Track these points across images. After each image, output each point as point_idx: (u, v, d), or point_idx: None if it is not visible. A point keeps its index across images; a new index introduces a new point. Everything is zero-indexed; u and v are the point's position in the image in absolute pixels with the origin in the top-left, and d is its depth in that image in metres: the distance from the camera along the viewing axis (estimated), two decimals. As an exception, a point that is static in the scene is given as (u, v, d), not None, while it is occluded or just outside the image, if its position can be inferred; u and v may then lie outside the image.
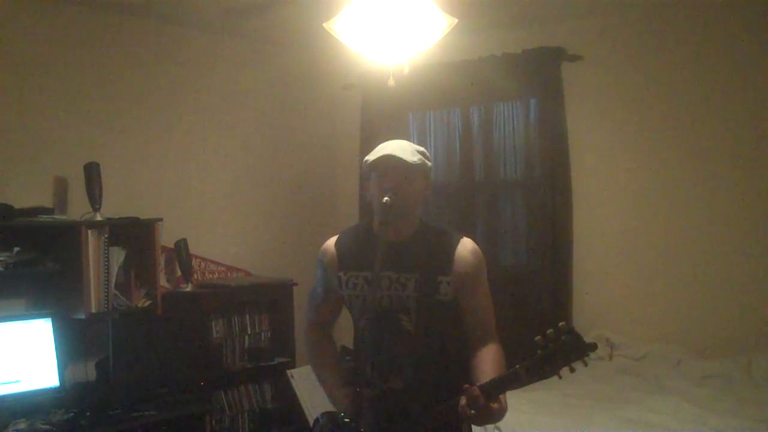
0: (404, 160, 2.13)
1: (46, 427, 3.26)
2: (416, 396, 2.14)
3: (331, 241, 2.35)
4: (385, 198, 2.10)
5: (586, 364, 1.91)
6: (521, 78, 4.51)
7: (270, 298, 4.58)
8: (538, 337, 1.91)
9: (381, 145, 2.20)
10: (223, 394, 4.34)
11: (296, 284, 4.57)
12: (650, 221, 4.29)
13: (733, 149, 4.05)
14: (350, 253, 2.27)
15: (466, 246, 2.20)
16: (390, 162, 2.14)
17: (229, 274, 4.70)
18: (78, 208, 3.78)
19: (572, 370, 1.91)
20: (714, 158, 4.11)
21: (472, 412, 1.95)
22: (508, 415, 3.09)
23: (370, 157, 2.18)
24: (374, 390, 2.16)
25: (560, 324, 1.90)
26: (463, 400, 1.97)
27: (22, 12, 3.73)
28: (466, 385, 1.98)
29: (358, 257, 2.23)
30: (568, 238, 4.45)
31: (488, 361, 2.13)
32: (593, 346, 1.91)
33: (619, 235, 4.39)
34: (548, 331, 1.90)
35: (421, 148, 2.21)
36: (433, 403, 2.10)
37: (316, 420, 2.35)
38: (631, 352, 4.14)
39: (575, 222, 4.46)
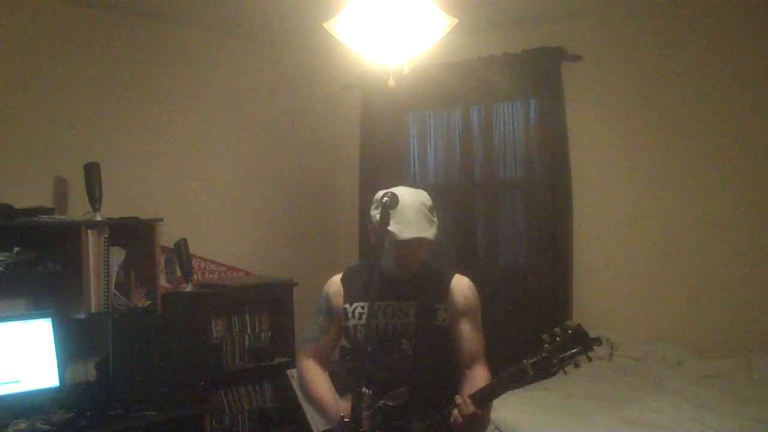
0: (428, 240, 2.27)
1: (46, 427, 3.26)
2: (412, 411, 2.23)
3: (337, 277, 2.49)
4: (401, 263, 2.31)
5: (590, 359, 1.98)
6: (521, 78, 4.51)
7: (270, 298, 4.59)
8: (544, 335, 2.03)
9: (400, 208, 2.21)
10: (223, 394, 4.35)
11: (296, 284, 4.57)
12: (650, 221, 4.29)
13: (733, 149, 4.05)
14: (356, 287, 2.41)
15: (461, 280, 2.40)
16: (417, 243, 2.27)
17: (229, 274, 4.70)
18: (78, 208, 3.78)
19: (577, 365, 1.97)
20: (714, 158, 4.10)
21: (460, 420, 2.10)
22: (508, 415, 3.12)
23: (397, 229, 2.20)
24: (372, 406, 2.25)
25: (567, 322, 2.05)
26: (454, 410, 2.12)
27: (22, 12, 3.73)
28: (457, 395, 2.15)
29: (363, 290, 2.36)
30: (568, 237, 4.45)
31: (476, 378, 2.28)
32: (597, 341, 2.01)
33: (619, 234, 4.39)
34: (555, 329, 2.02)
35: (430, 203, 2.33)
36: (427, 415, 2.21)
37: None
38: (631, 352, 4.14)
39: (575, 222, 4.46)
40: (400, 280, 2.35)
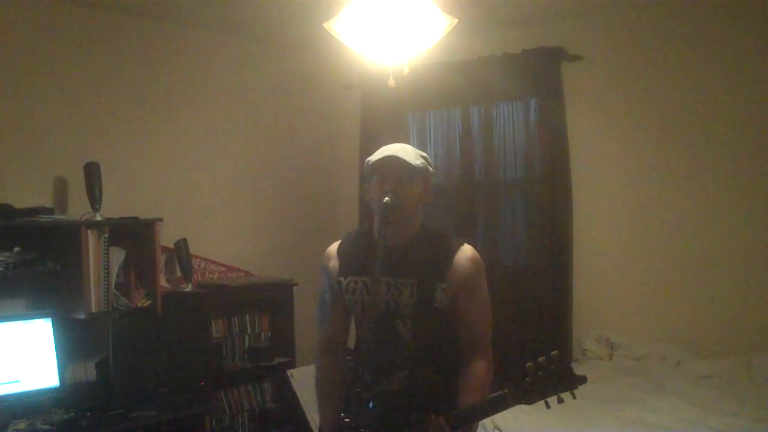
0: (407, 162, 2.12)
1: (46, 427, 3.27)
2: (410, 399, 2.14)
3: (334, 247, 2.34)
4: (386, 198, 2.09)
5: (574, 397, 1.92)
6: (521, 78, 4.51)
7: (270, 298, 4.58)
8: (529, 363, 1.93)
9: (384, 147, 2.19)
10: (223, 394, 4.35)
11: (296, 284, 4.57)
12: (650, 221, 4.29)
13: (733, 149, 4.05)
14: (350, 258, 2.26)
15: (465, 253, 2.16)
16: (393, 162, 2.13)
17: (229, 274, 4.70)
18: (78, 208, 3.78)
19: (560, 401, 1.93)
20: (714, 158, 4.10)
21: None
22: (508, 416, 3.10)
23: (373, 157, 2.18)
24: (369, 392, 2.17)
25: (552, 353, 1.93)
26: (431, 429, 1.98)
27: (22, 12, 3.73)
28: (433, 415, 1.99)
29: (357, 262, 2.22)
30: (568, 237, 4.44)
31: (470, 384, 2.12)
32: (582, 380, 1.92)
33: (619, 235, 4.39)
34: (540, 359, 1.92)
35: (424, 154, 2.21)
36: (421, 413, 2.09)
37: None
38: (631, 352, 4.14)
39: (575, 222, 4.46)
40: (397, 253, 2.13)
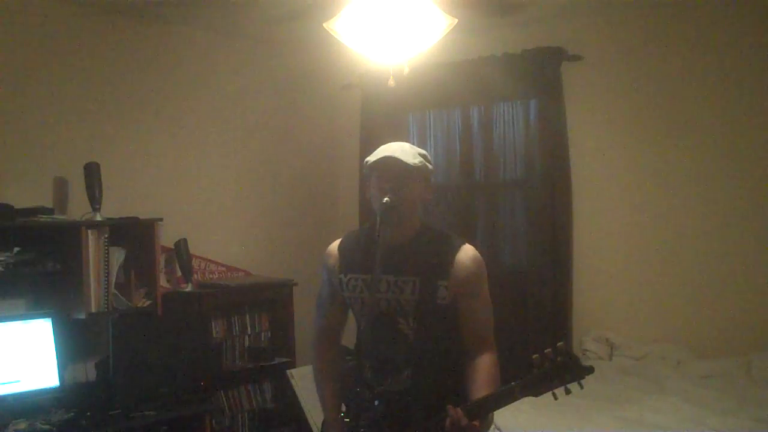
0: (404, 162, 2.13)
1: (46, 427, 3.26)
2: (414, 398, 2.15)
3: (335, 244, 2.36)
4: (385, 198, 2.10)
5: (582, 387, 1.94)
6: (521, 78, 4.51)
7: (270, 298, 4.59)
8: (535, 355, 1.94)
9: (382, 147, 2.20)
10: (223, 394, 4.35)
11: (296, 284, 4.57)
12: (650, 221, 4.29)
13: (733, 149, 4.05)
14: (351, 256, 2.27)
15: (466, 252, 2.18)
16: (390, 163, 2.14)
17: (229, 274, 4.70)
18: (78, 208, 3.78)
19: (567, 392, 1.94)
20: (714, 158, 4.10)
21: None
22: (508, 415, 3.11)
23: (371, 158, 2.18)
24: (372, 391, 2.17)
25: (558, 344, 1.94)
26: (447, 421, 1.99)
27: (23, 12, 3.73)
28: (449, 406, 2.00)
29: (358, 260, 2.24)
30: (568, 238, 4.44)
31: (481, 375, 2.13)
32: (590, 369, 1.94)
33: (619, 235, 4.39)
34: (546, 350, 1.94)
35: (423, 151, 2.21)
36: (425, 412, 2.10)
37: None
38: (631, 352, 4.14)
39: (575, 222, 4.46)
40: (398, 252, 2.16)
